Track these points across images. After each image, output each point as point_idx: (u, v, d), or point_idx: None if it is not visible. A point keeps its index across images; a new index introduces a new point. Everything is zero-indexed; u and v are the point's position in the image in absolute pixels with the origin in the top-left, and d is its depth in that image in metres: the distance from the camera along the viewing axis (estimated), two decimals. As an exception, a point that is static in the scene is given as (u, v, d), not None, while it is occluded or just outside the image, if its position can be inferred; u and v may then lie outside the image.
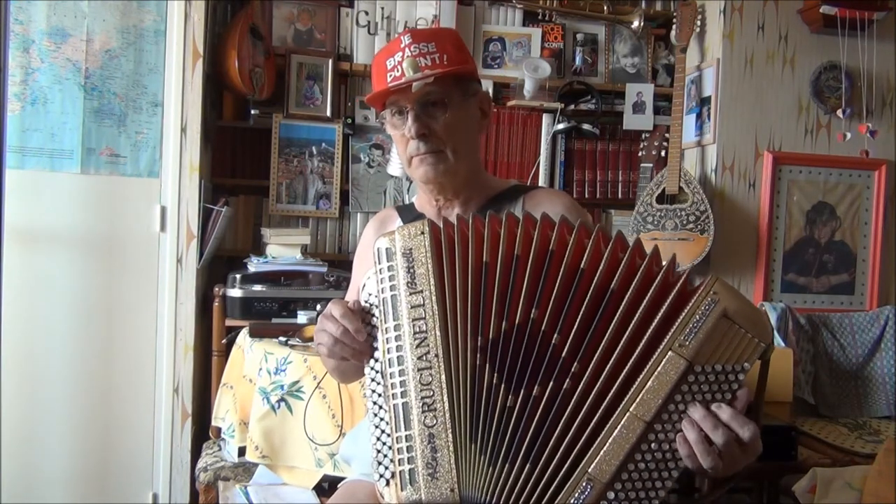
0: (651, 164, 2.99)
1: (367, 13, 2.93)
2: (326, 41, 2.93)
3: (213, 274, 2.72)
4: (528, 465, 0.98)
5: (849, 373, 2.85)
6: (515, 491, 0.98)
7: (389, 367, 1.04)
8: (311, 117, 2.87)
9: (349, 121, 2.89)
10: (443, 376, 1.01)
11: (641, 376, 0.96)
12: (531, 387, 0.99)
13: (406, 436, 1.01)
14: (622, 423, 0.96)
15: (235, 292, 2.45)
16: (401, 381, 1.03)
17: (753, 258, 2.93)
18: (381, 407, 1.07)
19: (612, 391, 0.97)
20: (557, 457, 0.97)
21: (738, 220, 2.92)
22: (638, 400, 0.96)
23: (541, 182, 3.00)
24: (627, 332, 0.98)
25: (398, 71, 1.26)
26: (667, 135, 2.96)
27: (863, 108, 2.93)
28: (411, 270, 1.05)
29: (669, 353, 0.96)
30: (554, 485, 0.98)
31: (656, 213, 2.85)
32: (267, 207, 2.85)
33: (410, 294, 1.04)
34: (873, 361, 2.85)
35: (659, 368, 0.96)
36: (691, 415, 0.95)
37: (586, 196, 3.04)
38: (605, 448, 0.96)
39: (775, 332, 2.75)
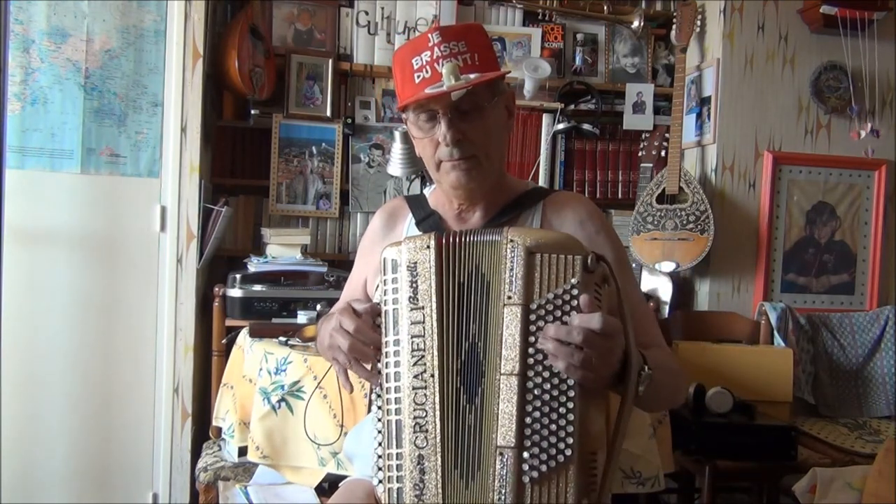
0: (651, 164, 2.99)
1: (367, 13, 2.93)
2: (326, 41, 2.93)
3: (213, 274, 2.72)
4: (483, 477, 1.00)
5: (849, 373, 2.85)
6: None
7: (387, 381, 1.03)
8: (311, 117, 2.87)
9: (349, 121, 2.89)
10: (437, 398, 1.01)
11: (494, 339, 1.01)
12: (475, 400, 1.02)
13: (397, 454, 1.01)
14: (500, 388, 0.99)
15: (235, 292, 2.44)
16: (396, 398, 1.02)
17: (753, 258, 2.93)
18: (378, 419, 1.06)
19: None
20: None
21: (738, 220, 2.92)
22: (502, 360, 1.00)
23: (541, 182, 2.99)
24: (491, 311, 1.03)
25: (426, 72, 1.19)
26: (667, 135, 2.96)
27: (864, 107, 2.92)
28: (414, 285, 1.04)
29: (504, 308, 1.00)
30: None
31: (656, 213, 2.85)
32: (267, 207, 2.85)
33: (412, 310, 1.03)
34: (873, 361, 2.85)
35: (504, 325, 1.00)
36: (546, 332, 0.99)
37: (586, 196, 3.04)
38: (500, 418, 0.99)
39: (775, 332, 2.75)
